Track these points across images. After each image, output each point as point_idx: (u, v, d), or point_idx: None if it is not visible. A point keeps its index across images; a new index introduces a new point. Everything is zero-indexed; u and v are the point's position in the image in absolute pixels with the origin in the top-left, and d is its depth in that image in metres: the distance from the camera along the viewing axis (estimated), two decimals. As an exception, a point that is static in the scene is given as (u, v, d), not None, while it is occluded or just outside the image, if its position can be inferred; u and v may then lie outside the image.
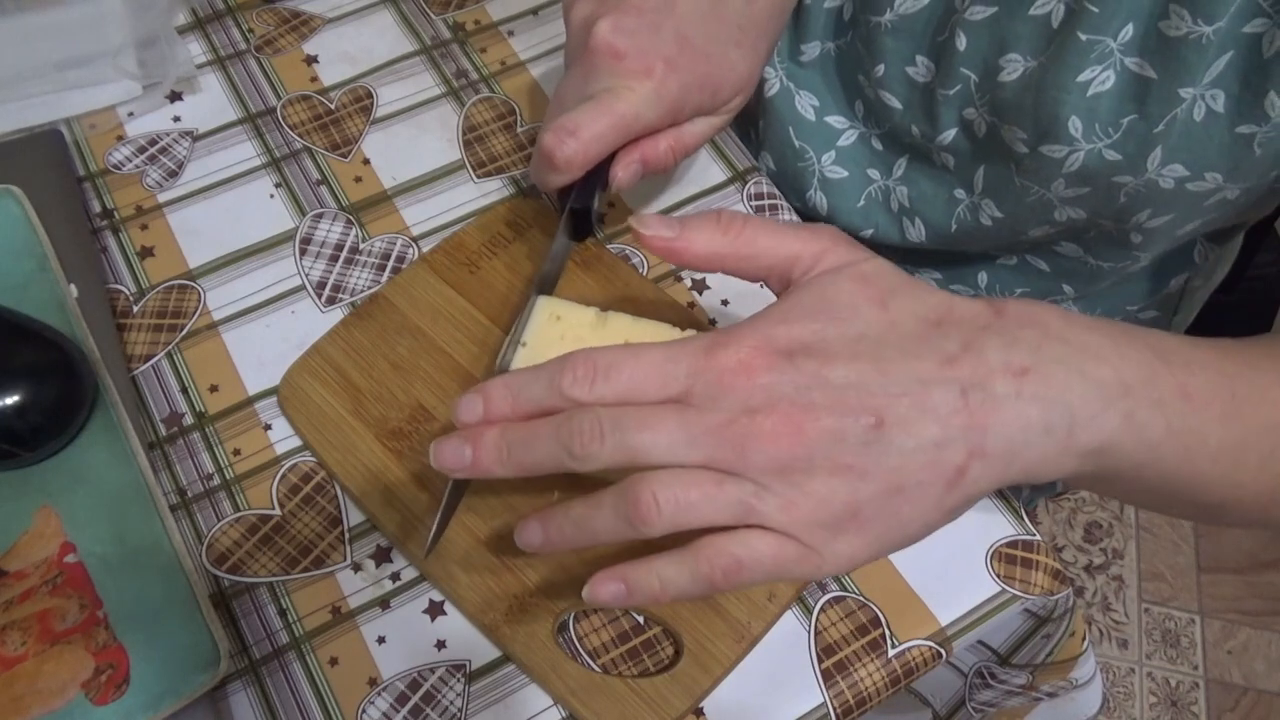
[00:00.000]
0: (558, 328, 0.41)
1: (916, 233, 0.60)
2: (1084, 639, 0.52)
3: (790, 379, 0.34)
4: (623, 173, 0.47)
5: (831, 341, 0.35)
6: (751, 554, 0.34)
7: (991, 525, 0.48)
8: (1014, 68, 0.49)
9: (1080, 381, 0.35)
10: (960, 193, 0.57)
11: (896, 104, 0.56)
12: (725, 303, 0.54)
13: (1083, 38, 0.46)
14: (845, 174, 0.61)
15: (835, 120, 0.60)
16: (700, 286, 0.55)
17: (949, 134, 0.54)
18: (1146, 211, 0.51)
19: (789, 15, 0.50)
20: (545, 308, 0.42)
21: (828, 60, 0.60)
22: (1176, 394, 0.36)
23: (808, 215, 0.63)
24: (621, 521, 0.34)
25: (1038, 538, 0.48)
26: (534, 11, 0.65)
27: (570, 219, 0.48)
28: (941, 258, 0.64)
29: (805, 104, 0.61)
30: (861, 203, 0.61)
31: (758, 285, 0.54)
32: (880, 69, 0.55)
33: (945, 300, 0.36)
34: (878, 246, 0.63)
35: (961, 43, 0.50)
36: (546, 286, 0.49)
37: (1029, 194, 0.53)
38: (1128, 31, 0.45)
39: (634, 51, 0.44)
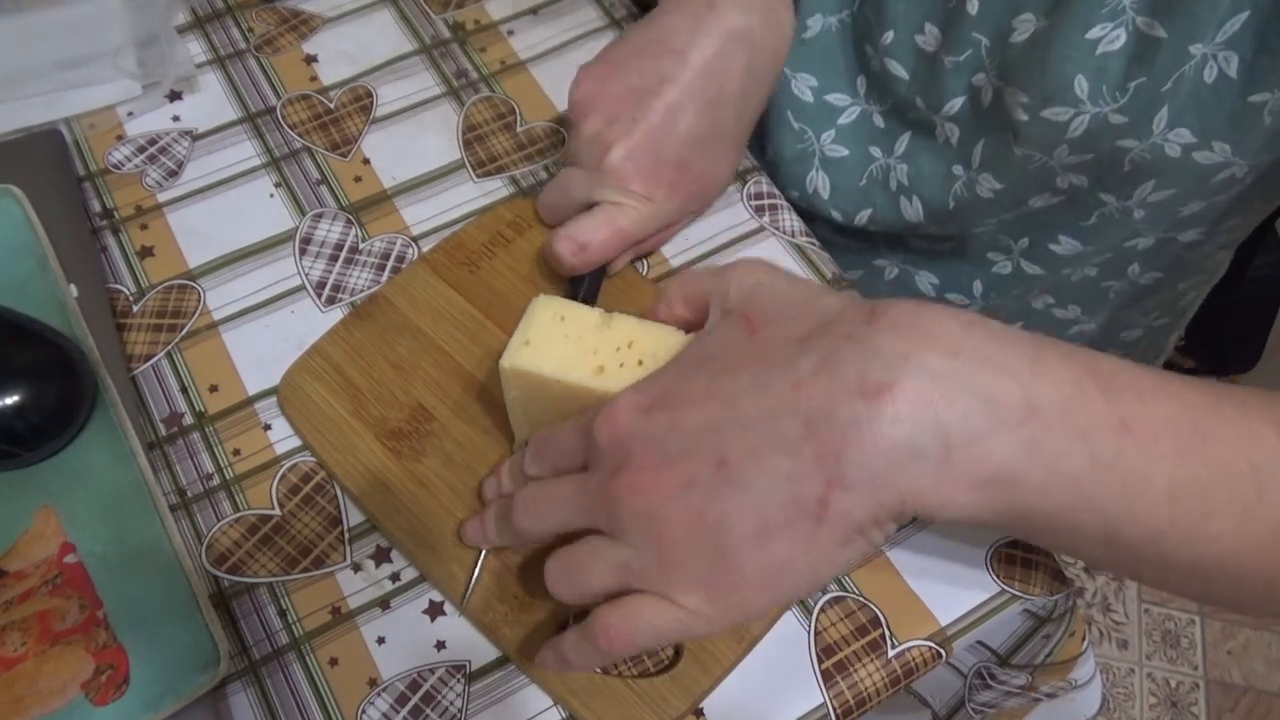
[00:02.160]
0: (561, 328, 0.41)
1: (914, 211, 0.60)
2: (1084, 639, 0.52)
3: (646, 433, 0.35)
4: (619, 263, 0.53)
5: (691, 387, 0.35)
6: (634, 624, 0.36)
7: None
8: (1026, 27, 0.49)
9: (964, 398, 0.31)
10: (958, 168, 0.57)
11: (903, 74, 0.56)
12: (725, 303, 0.54)
13: None
14: (846, 152, 0.61)
15: (836, 98, 0.60)
16: (700, 286, 0.55)
17: (955, 104, 0.54)
18: (1151, 182, 0.51)
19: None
20: (548, 307, 0.41)
21: (830, 35, 0.59)
22: (1111, 425, 0.32)
23: (808, 203, 0.63)
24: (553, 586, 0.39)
25: (1038, 538, 0.48)
26: (534, 11, 0.65)
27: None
28: (938, 254, 0.64)
29: (803, 86, 0.61)
30: (863, 182, 0.61)
31: (758, 285, 0.54)
32: (889, 36, 0.55)
33: (829, 312, 0.35)
34: (876, 227, 0.63)
35: (973, 6, 0.50)
36: None
37: (1030, 163, 0.52)
38: None
39: (640, 178, 0.49)
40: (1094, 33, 0.46)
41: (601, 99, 0.49)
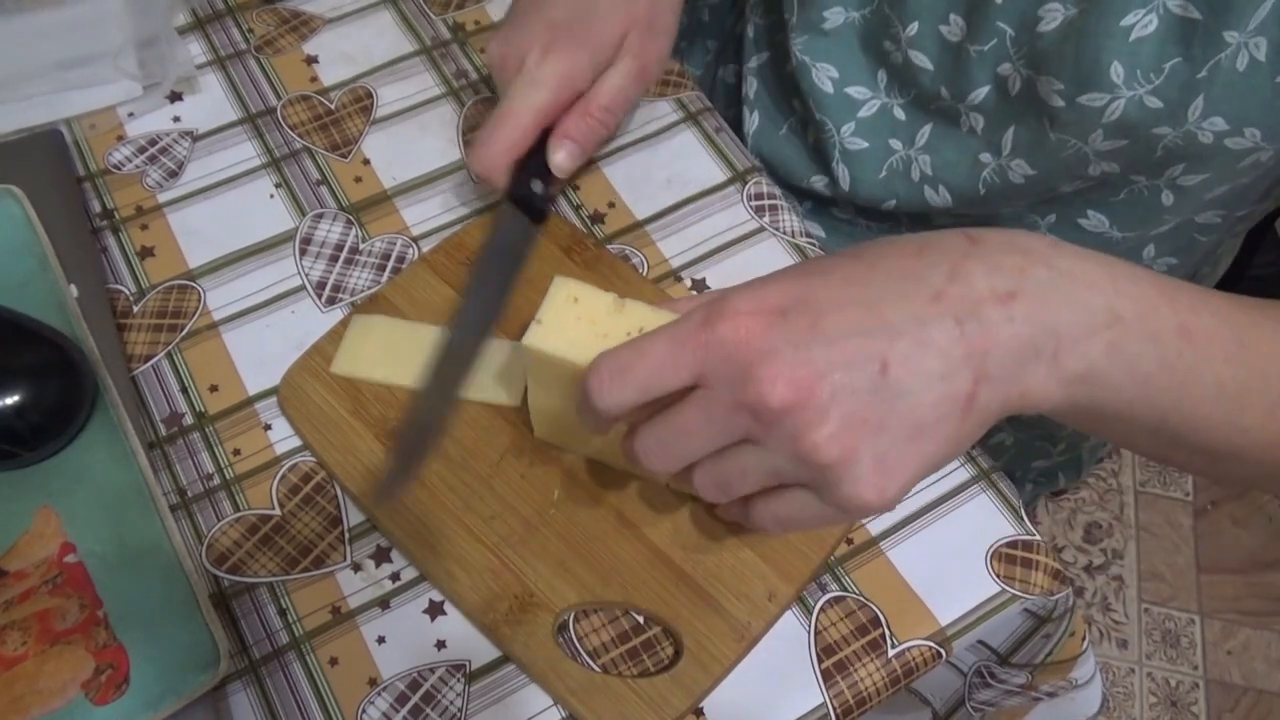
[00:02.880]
0: (575, 309, 0.41)
1: (940, 199, 0.60)
2: (1084, 639, 0.52)
3: (787, 338, 0.34)
4: (557, 155, 0.51)
5: (821, 294, 0.35)
6: (794, 510, 0.38)
7: (991, 525, 0.48)
8: (1053, 16, 0.49)
9: (1067, 305, 0.35)
10: (986, 156, 0.57)
11: (928, 65, 0.56)
12: (725, 303, 0.54)
13: None
14: (866, 145, 0.61)
15: (856, 91, 0.61)
16: (700, 286, 0.55)
17: (980, 93, 0.54)
18: (1181, 166, 0.51)
19: None
20: (563, 288, 0.42)
21: (851, 27, 0.59)
22: (1175, 331, 0.36)
23: (833, 190, 0.63)
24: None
25: (1037, 538, 0.48)
26: (534, 11, 0.65)
27: (513, 208, 0.50)
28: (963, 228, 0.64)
29: (823, 76, 0.61)
30: (883, 174, 0.61)
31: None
32: (914, 27, 0.55)
33: (919, 236, 0.37)
34: (900, 220, 0.63)
35: None
36: (506, 273, 0.50)
37: (1065, 148, 0.52)
38: None
39: (508, 53, 0.50)
40: (1128, 19, 0.46)
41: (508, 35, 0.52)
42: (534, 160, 0.51)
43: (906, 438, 0.35)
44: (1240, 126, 0.47)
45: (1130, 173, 0.53)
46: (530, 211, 0.50)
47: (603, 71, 0.52)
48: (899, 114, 0.60)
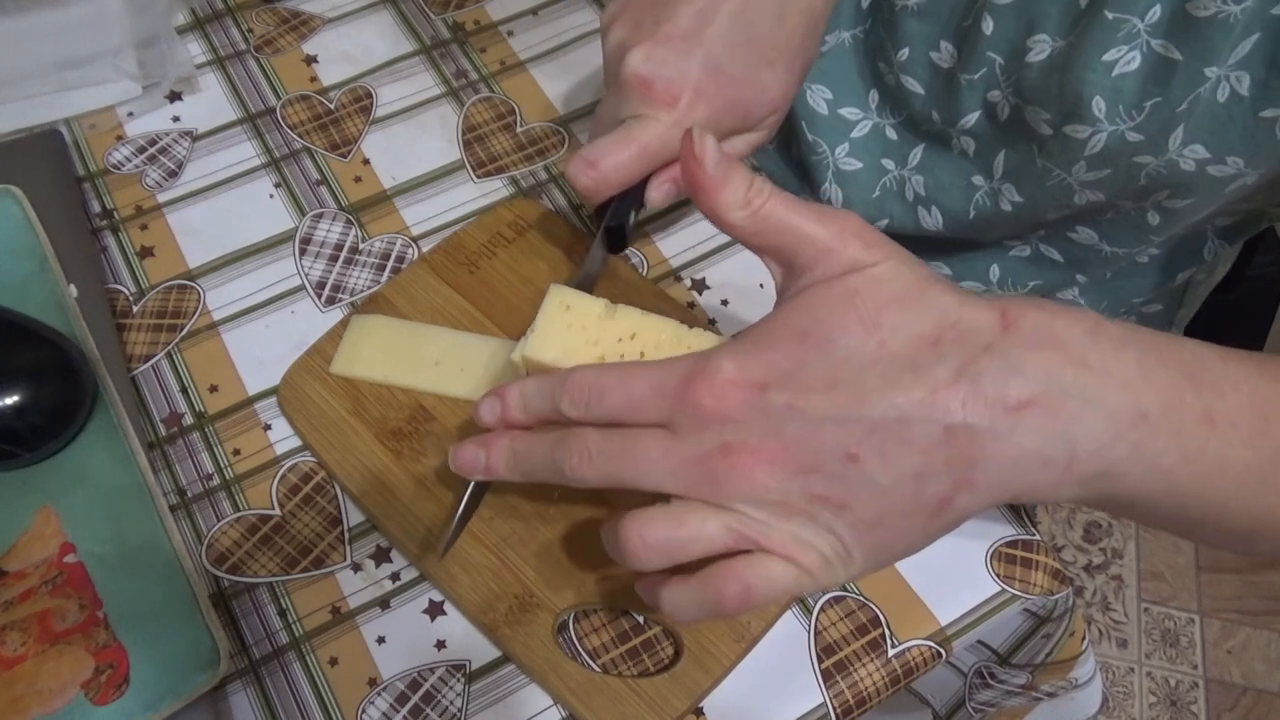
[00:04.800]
0: (566, 316, 0.41)
1: (933, 220, 0.60)
2: (1083, 639, 0.52)
3: (763, 413, 0.34)
4: (655, 193, 0.48)
5: (809, 371, 0.34)
6: (761, 578, 0.35)
7: (991, 525, 0.48)
8: (1042, 48, 0.49)
9: (1091, 412, 0.33)
10: (979, 179, 0.57)
11: (919, 89, 0.56)
12: (725, 303, 0.54)
13: (1110, 16, 0.46)
14: (860, 165, 0.61)
15: (849, 112, 0.61)
16: (700, 286, 0.55)
17: (970, 118, 0.54)
18: (1166, 191, 0.51)
19: (822, 34, 0.51)
20: (556, 296, 0.42)
21: (844, 50, 0.60)
22: (1199, 419, 0.34)
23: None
24: (617, 557, 0.36)
25: (1037, 538, 0.48)
26: (534, 11, 0.65)
27: (605, 234, 0.49)
28: (954, 246, 0.64)
29: (817, 98, 0.61)
30: (876, 193, 0.61)
31: (758, 285, 0.54)
32: (904, 53, 0.55)
33: (951, 311, 0.34)
34: (892, 236, 0.63)
35: (988, 26, 0.50)
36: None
37: (1049, 177, 0.53)
38: (1155, 13, 0.45)
39: (661, 81, 0.45)
40: (1110, 55, 0.46)
41: (628, 10, 0.47)
42: (632, 193, 0.48)
43: (866, 524, 0.34)
44: (1222, 155, 0.47)
45: (1116, 199, 0.53)
46: (615, 242, 0.49)
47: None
48: (891, 134, 0.60)
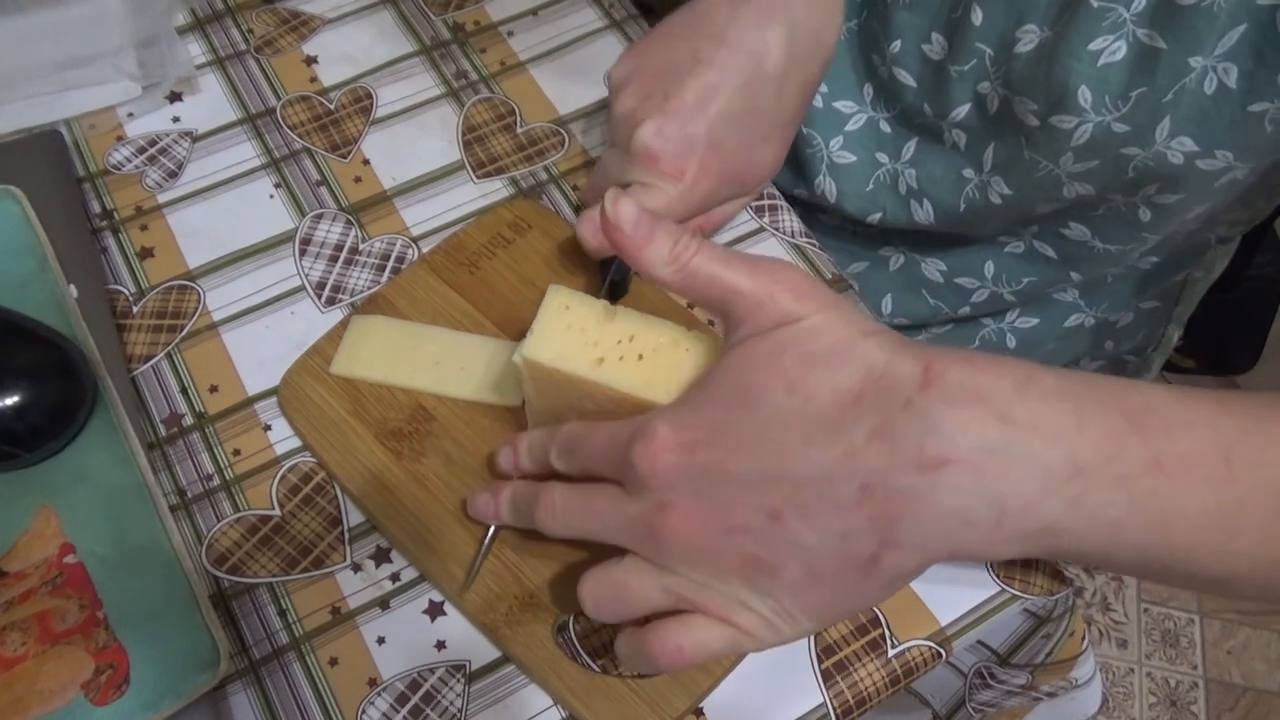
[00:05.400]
0: (565, 317, 0.41)
1: (925, 214, 0.60)
2: (1083, 639, 0.52)
3: (691, 473, 0.35)
4: None
5: (739, 432, 0.34)
6: (697, 645, 0.36)
7: (991, 525, 0.48)
8: (1030, 39, 0.49)
9: (1019, 469, 0.32)
10: (969, 172, 0.57)
11: (911, 81, 0.56)
12: (725, 303, 0.54)
13: (1095, 4, 0.46)
14: (853, 158, 0.61)
15: (843, 105, 0.61)
16: (700, 287, 0.55)
17: (961, 110, 0.55)
18: (1155, 186, 0.51)
19: (814, 93, 0.53)
20: (556, 296, 0.42)
21: (839, 44, 0.60)
22: (1146, 467, 0.33)
23: (815, 203, 0.64)
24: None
25: (1037, 538, 0.48)
26: (534, 12, 0.65)
27: (610, 288, 0.52)
28: (949, 242, 0.64)
29: None
30: (870, 187, 0.61)
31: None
32: (896, 45, 0.55)
33: (878, 365, 0.34)
34: (886, 229, 0.63)
35: (977, 17, 0.51)
36: None
37: (1037, 169, 0.53)
38: (1140, 1, 0.45)
39: (669, 156, 0.48)
40: (1096, 44, 0.46)
41: (637, 78, 0.49)
42: None
43: (800, 584, 0.34)
44: (1210, 148, 0.47)
45: (1106, 192, 0.53)
46: (617, 293, 0.51)
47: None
48: (885, 128, 0.60)
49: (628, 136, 0.48)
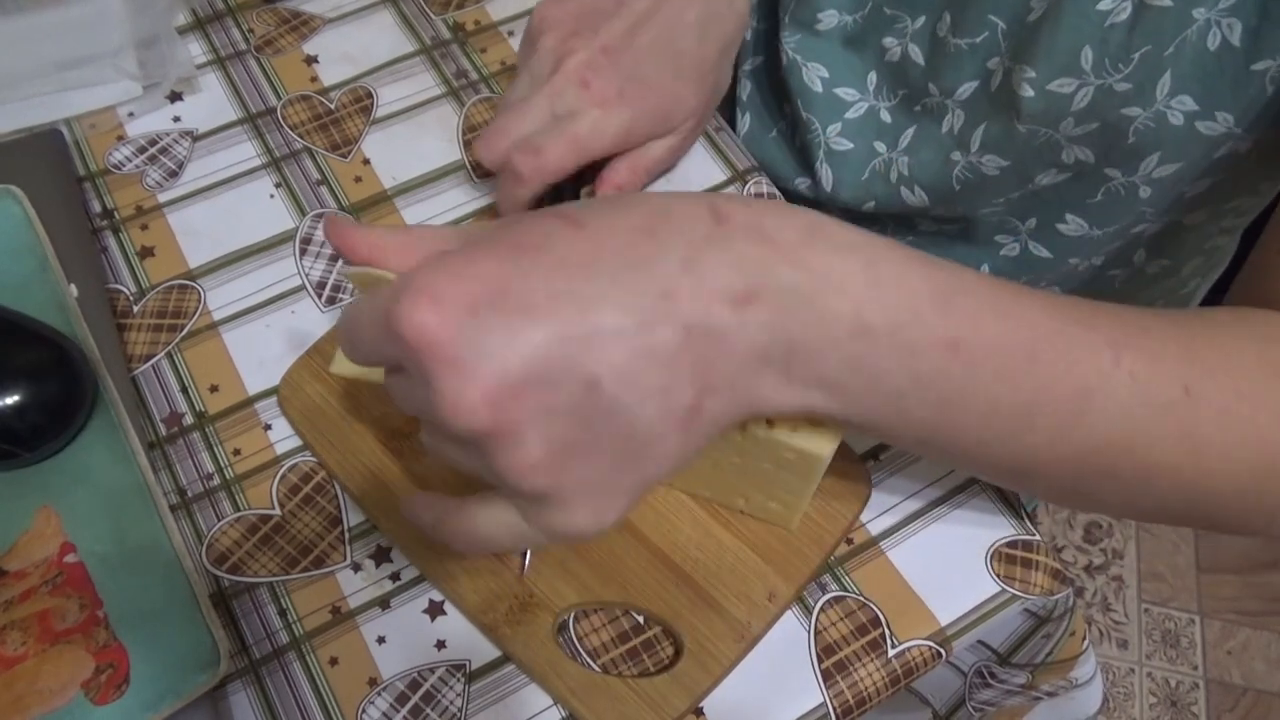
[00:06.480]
0: None
1: (918, 198, 0.60)
2: (1084, 639, 0.52)
3: (476, 344, 0.28)
4: (587, 196, 0.53)
5: (528, 283, 0.29)
6: (491, 530, 0.34)
7: (991, 525, 0.48)
8: (1040, 6, 0.49)
9: (806, 313, 0.31)
10: (957, 154, 0.57)
11: (920, 60, 0.56)
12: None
13: None
14: (851, 146, 0.61)
15: (844, 92, 0.61)
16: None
17: (968, 88, 0.55)
18: (1155, 155, 0.51)
19: (733, 60, 0.56)
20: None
21: (844, 29, 0.60)
22: (941, 344, 0.32)
23: (815, 193, 0.64)
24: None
25: (1038, 538, 0.48)
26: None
27: None
28: (946, 241, 0.64)
29: (813, 75, 0.61)
30: (865, 175, 0.62)
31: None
32: (910, 22, 0.56)
33: (659, 206, 0.32)
34: (886, 229, 0.63)
35: None
36: None
37: (1036, 138, 0.53)
38: None
39: (596, 84, 0.50)
40: (1104, 4, 0.46)
41: (562, 17, 0.52)
42: (566, 192, 0.53)
43: (622, 462, 0.31)
44: (1211, 109, 0.47)
45: (1105, 165, 0.53)
46: None
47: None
48: (885, 116, 0.60)
49: (554, 67, 0.50)
